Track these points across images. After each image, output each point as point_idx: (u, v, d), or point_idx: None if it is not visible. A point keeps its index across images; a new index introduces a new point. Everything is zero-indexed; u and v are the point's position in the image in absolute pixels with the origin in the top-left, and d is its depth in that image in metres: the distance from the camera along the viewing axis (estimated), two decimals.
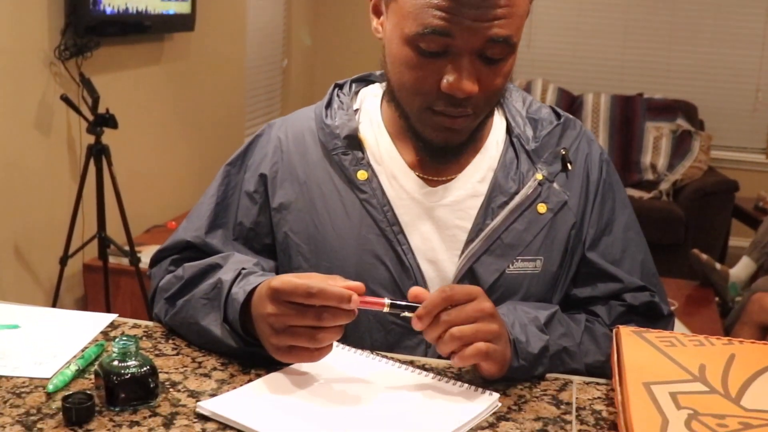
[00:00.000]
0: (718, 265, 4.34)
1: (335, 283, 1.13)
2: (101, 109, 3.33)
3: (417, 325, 1.15)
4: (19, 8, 3.20)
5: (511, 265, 1.35)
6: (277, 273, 1.41)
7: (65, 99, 3.24)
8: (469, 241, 1.36)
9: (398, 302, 1.17)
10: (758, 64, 6.08)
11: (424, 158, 1.39)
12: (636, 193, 5.46)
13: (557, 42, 6.24)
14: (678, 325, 3.69)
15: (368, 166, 1.39)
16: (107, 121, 3.31)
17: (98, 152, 3.31)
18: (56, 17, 3.39)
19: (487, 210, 1.36)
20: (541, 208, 1.37)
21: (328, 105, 1.45)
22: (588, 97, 5.82)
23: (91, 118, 3.31)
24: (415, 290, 1.18)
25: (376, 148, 1.41)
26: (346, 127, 1.41)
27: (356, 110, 1.45)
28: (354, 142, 1.40)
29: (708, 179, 5.44)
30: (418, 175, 1.39)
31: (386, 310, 1.16)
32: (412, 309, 1.16)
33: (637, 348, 1.18)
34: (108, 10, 3.55)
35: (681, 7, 6.09)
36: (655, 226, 5.04)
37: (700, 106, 5.89)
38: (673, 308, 3.86)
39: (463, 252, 1.35)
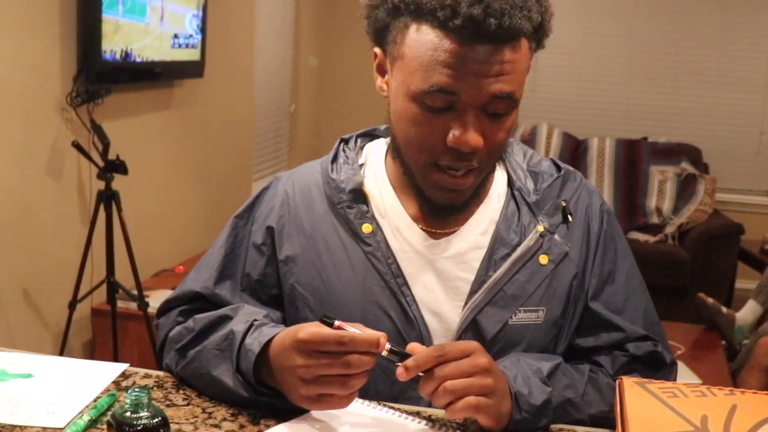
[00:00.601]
0: (724, 309, 4.33)
1: (362, 331, 1.17)
2: (111, 155, 3.37)
3: (402, 376, 1.17)
4: (33, 56, 3.26)
5: (513, 316, 1.37)
6: (285, 324, 1.43)
7: (76, 145, 3.28)
8: (472, 292, 1.38)
9: (396, 348, 1.19)
10: (761, 106, 6.11)
11: (427, 211, 1.42)
12: (641, 236, 5.48)
13: (562, 87, 6.29)
14: (685, 369, 3.69)
15: (373, 220, 1.42)
16: (117, 167, 3.35)
17: (108, 198, 3.35)
18: (68, 64, 3.45)
19: (489, 262, 1.39)
20: (543, 259, 1.39)
21: (334, 159, 1.48)
22: (593, 141, 5.86)
23: (101, 164, 3.35)
24: (412, 346, 1.21)
25: (380, 202, 1.44)
26: (351, 181, 1.43)
27: (361, 165, 1.48)
28: (359, 195, 1.43)
29: (713, 222, 5.46)
30: (421, 228, 1.42)
31: (384, 353, 1.18)
32: (407, 358, 1.19)
33: (640, 399, 1.20)
34: (119, 58, 3.61)
35: (683, 51, 6.15)
36: (661, 270, 5.06)
37: (704, 150, 5.92)
38: (679, 352, 3.89)
39: (466, 303, 1.38)
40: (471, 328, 1.36)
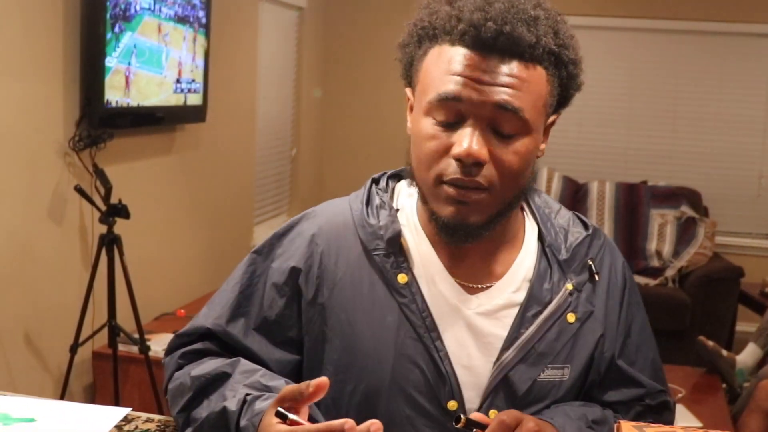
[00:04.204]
0: (724, 352, 4.33)
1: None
2: (114, 199, 3.39)
3: None
4: (36, 100, 3.30)
5: (542, 373, 1.38)
6: (301, 368, 1.42)
7: (79, 190, 3.30)
8: (504, 349, 1.37)
9: (472, 419, 1.25)
10: (761, 150, 6.15)
11: (460, 262, 1.41)
12: (642, 279, 5.48)
13: (561, 131, 6.24)
14: (685, 413, 3.69)
15: (409, 271, 1.38)
16: (119, 211, 3.37)
17: (110, 242, 3.36)
18: (71, 109, 3.48)
19: (522, 319, 1.38)
20: (571, 317, 1.40)
21: (368, 202, 1.44)
22: (593, 185, 5.89)
23: (103, 208, 3.37)
24: (475, 416, 1.26)
25: (415, 252, 1.41)
26: (390, 229, 1.39)
27: (397, 210, 1.45)
28: (396, 244, 1.39)
29: (713, 265, 5.47)
30: (457, 282, 1.40)
31: (460, 426, 1.22)
32: (481, 427, 1.24)
33: None
34: (122, 103, 3.64)
35: (683, 95, 6.20)
36: (661, 313, 5.06)
37: (703, 193, 5.95)
38: (680, 396, 3.88)
39: (498, 359, 1.36)
40: (502, 385, 1.36)
